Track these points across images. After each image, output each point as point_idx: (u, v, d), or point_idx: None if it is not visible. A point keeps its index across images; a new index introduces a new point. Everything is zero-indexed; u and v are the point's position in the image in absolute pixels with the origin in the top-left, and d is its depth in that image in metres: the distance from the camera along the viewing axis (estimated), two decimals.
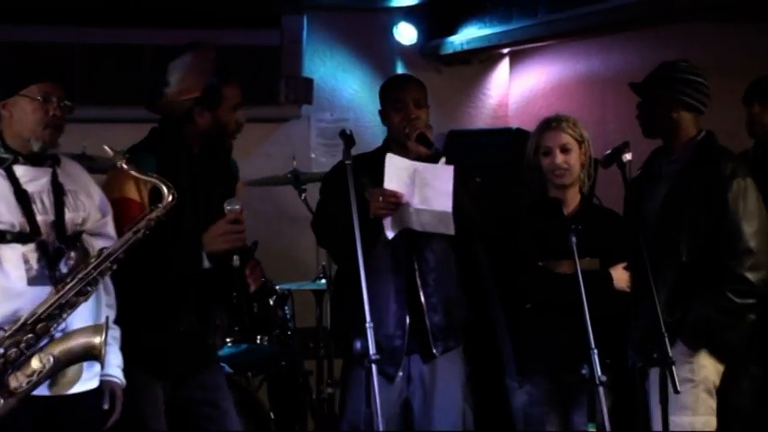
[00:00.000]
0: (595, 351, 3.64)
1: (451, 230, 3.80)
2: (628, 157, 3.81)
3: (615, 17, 5.12)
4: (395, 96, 4.04)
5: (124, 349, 3.49)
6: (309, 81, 6.24)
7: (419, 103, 4.00)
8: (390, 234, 3.86)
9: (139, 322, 3.57)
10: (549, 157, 4.08)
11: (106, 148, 3.34)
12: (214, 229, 3.58)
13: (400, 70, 6.46)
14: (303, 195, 5.46)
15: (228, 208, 3.60)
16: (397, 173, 3.80)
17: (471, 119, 6.67)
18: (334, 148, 6.12)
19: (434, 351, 3.99)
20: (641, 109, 4.21)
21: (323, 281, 5.49)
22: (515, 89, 6.79)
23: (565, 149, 4.09)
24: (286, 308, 5.18)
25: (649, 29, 5.91)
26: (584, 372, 3.66)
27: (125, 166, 3.34)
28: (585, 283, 3.68)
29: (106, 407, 3.37)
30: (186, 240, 3.57)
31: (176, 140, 3.68)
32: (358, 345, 3.48)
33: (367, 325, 3.46)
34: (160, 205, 3.35)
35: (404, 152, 3.94)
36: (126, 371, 3.49)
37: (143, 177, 3.41)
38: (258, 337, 5.08)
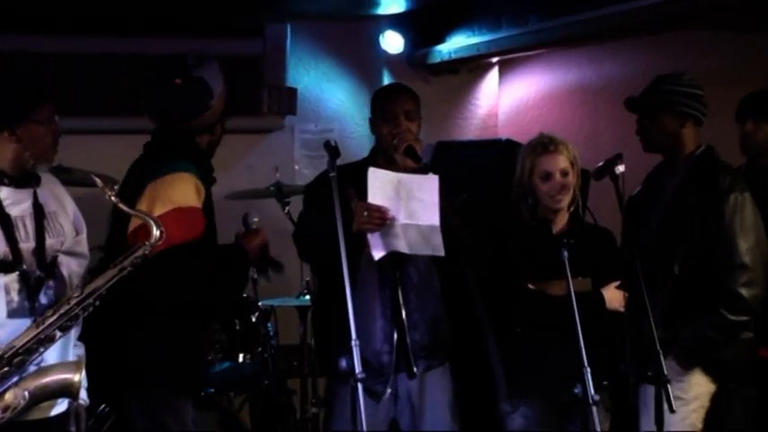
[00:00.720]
0: (588, 369, 3.66)
1: (440, 251, 3.77)
2: (621, 168, 3.82)
3: (607, 25, 5.14)
4: (385, 106, 4.00)
5: (163, 372, 3.56)
6: (293, 91, 6.26)
7: (410, 115, 3.96)
8: (377, 255, 3.81)
9: (187, 344, 3.62)
10: (548, 182, 4.08)
11: (95, 179, 3.30)
12: (255, 245, 3.73)
13: (387, 80, 6.45)
14: (287, 209, 5.43)
15: (256, 220, 3.80)
16: (382, 187, 3.76)
17: (460, 130, 6.67)
18: (318, 160, 5.97)
19: (415, 370, 3.98)
20: (640, 124, 4.24)
21: (307, 297, 5.45)
22: (505, 99, 6.80)
23: (564, 173, 4.09)
24: (269, 325, 5.16)
25: (641, 37, 5.98)
26: (576, 391, 3.67)
27: (114, 198, 3.30)
28: (578, 305, 3.70)
29: (73, 430, 3.33)
30: (238, 259, 3.68)
31: (205, 152, 3.73)
32: (343, 363, 3.48)
33: (353, 342, 3.44)
34: (147, 243, 3.30)
35: (391, 164, 3.91)
36: (163, 392, 3.58)
37: (131, 212, 3.38)
38: (240, 355, 5.03)
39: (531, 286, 4.02)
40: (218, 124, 3.74)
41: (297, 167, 6.40)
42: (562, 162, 4.08)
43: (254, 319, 5.06)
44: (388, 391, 3.97)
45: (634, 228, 3.93)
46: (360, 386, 3.42)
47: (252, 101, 6.02)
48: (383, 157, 3.96)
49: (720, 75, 5.98)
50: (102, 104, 5.70)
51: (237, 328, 4.96)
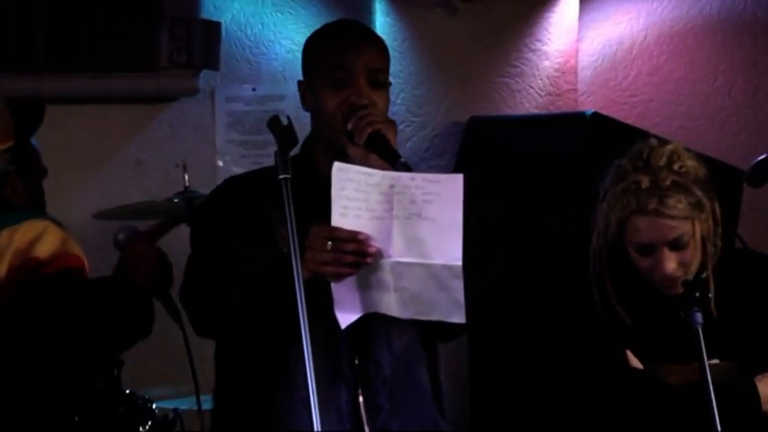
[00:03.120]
0: None
1: (460, 313, 3.20)
2: None
3: None
4: (332, 60, 3.43)
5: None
6: (213, 28, 5.32)
7: (376, 79, 3.42)
8: (345, 320, 3.29)
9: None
10: (647, 257, 3.61)
11: None
12: (141, 266, 3.60)
13: (379, 10, 5.43)
14: None
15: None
16: (357, 196, 3.25)
17: (510, 96, 5.61)
18: (256, 150, 5.42)
19: None
20: None
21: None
22: (591, 41, 5.77)
23: (677, 245, 3.56)
24: None
25: None
26: None
27: None
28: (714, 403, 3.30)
29: None
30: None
31: None
32: None
33: None
34: None
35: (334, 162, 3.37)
36: None
37: None
38: None
39: (632, 361, 3.58)
40: None
41: (220, 163, 5.52)
42: (673, 230, 3.58)
43: None
44: None
45: None
46: None
47: (142, 46, 5.23)
48: (324, 150, 3.45)
49: None
50: None
51: None
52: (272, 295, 3.21)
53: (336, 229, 3.22)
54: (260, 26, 5.49)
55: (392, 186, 3.28)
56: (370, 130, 3.36)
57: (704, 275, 3.61)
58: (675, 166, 3.60)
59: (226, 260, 3.39)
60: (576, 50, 5.75)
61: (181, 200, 4.76)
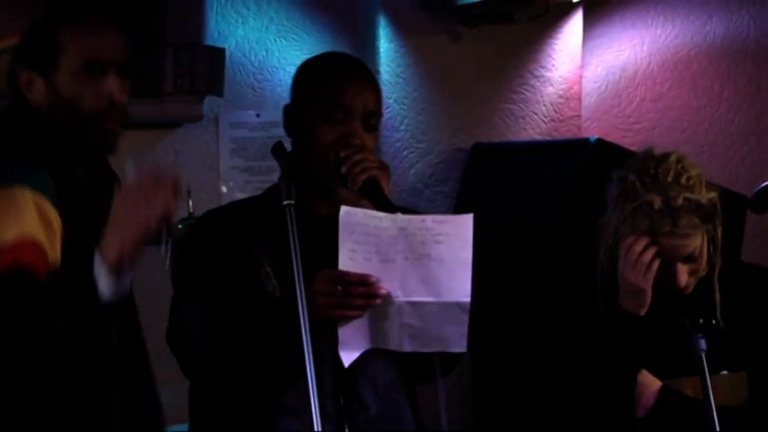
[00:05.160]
0: None
1: (461, 343, 3.34)
2: None
3: None
4: (333, 96, 3.43)
5: None
6: (218, 53, 5.32)
7: (369, 120, 3.42)
8: (349, 358, 3.32)
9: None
10: (660, 270, 3.66)
11: None
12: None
13: (384, 36, 5.40)
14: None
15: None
16: (366, 239, 3.29)
17: (513, 122, 5.64)
18: (260, 176, 5.44)
19: None
20: None
21: None
22: (594, 67, 5.83)
23: (690, 259, 3.65)
24: None
25: None
26: None
27: None
28: (721, 420, 3.31)
29: None
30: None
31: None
32: None
33: None
34: None
35: (323, 202, 3.41)
36: None
37: None
38: None
39: (647, 378, 3.67)
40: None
41: (224, 189, 5.54)
42: (687, 246, 3.64)
43: None
44: None
45: None
46: None
47: (144, 72, 5.01)
48: (310, 186, 3.45)
49: None
50: None
51: None
52: (262, 338, 3.23)
53: (345, 273, 3.26)
54: (264, 52, 5.51)
55: (402, 229, 3.33)
56: (365, 176, 3.38)
57: (714, 323, 3.57)
58: (683, 179, 3.62)
59: (225, 298, 3.36)
60: (580, 77, 5.76)
61: (185, 225, 4.76)
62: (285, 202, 3.18)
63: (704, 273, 3.75)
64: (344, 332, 3.35)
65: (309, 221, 3.34)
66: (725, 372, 3.58)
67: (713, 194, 3.71)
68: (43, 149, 3.24)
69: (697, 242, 3.67)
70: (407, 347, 3.44)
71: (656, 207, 3.61)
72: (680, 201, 3.60)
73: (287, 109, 3.58)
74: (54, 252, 3.10)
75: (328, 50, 4.92)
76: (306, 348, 3.11)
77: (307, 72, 3.61)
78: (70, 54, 3.26)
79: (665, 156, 3.66)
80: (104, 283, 2.95)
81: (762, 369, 3.73)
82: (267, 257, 3.37)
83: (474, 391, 4.89)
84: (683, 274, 3.67)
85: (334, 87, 3.49)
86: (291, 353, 3.20)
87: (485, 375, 4.85)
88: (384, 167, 3.46)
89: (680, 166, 3.66)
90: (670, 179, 3.64)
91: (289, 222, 3.15)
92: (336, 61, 3.82)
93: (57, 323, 3.07)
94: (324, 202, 3.43)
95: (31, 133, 3.29)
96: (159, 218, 2.96)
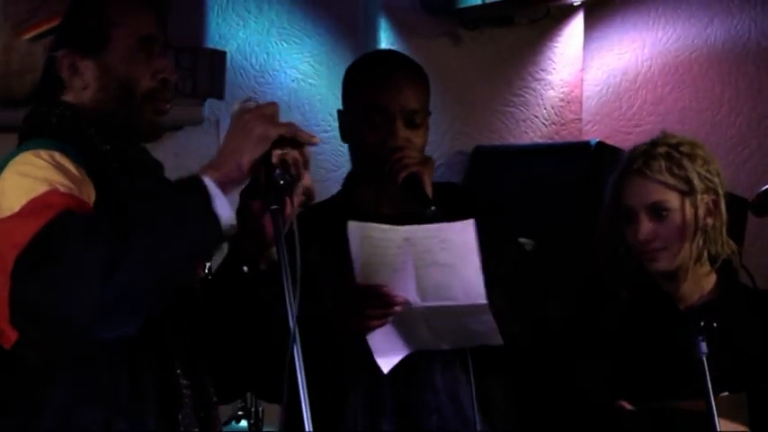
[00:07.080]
0: None
1: (496, 337, 3.34)
2: None
3: None
4: (370, 100, 3.47)
5: None
6: (220, 57, 5.42)
7: (412, 118, 3.46)
8: (387, 365, 3.39)
9: None
10: (631, 224, 3.64)
11: None
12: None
13: (385, 39, 5.53)
14: (208, 265, 4.34)
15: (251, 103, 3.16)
16: (375, 252, 3.33)
17: (514, 125, 5.72)
18: None
19: None
20: None
21: (243, 423, 4.94)
22: (595, 71, 5.88)
23: (656, 211, 3.56)
24: None
25: None
26: None
27: None
28: None
29: None
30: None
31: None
32: None
33: None
34: None
35: (382, 202, 3.52)
36: None
37: None
38: None
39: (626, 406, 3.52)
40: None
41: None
42: (654, 191, 3.59)
43: None
44: None
45: None
46: None
47: None
48: (367, 185, 3.59)
49: None
50: None
51: None
52: (320, 357, 3.17)
53: (358, 285, 3.32)
54: (265, 55, 5.58)
55: (407, 240, 3.37)
56: (404, 174, 3.42)
57: (714, 326, 3.44)
58: (674, 141, 3.61)
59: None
60: (581, 80, 5.85)
61: None
62: (272, 207, 2.86)
63: (689, 258, 3.61)
64: (374, 341, 3.39)
65: (377, 221, 3.39)
66: (725, 393, 3.52)
67: (711, 184, 3.60)
68: (71, 135, 3.11)
69: (667, 196, 3.59)
70: (443, 345, 3.51)
71: (637, 151, 3.60)
72: (661, 150, 3.58)
73: (339, 114, 3.66)
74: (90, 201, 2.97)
75: (336, 50, 5.52)
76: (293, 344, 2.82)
77: (349, 77, 3.67)
78: (122, 32, 3.12)
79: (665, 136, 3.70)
80: (220, 200, 2.74)
81: (761, 392, 3.66)
82: (321, 264, 3.40)
83: (474, 390, 4.90)
84: (646, 226, 3.60)
85: (370, 90, 3.53)
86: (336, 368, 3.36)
87: (485, 375, 4.88)
88: (425, 162, 3.50)
89: (685, 140, 3.65)
90: (664, 138, 3.63)
91: (295, 238, 2.91)
92: (375, 62, 3.87)
93: (180, 234, 2.77)
94: (383, 202, 3.51)
95: (61, 121, 3.13)
96: (268, 135, 2.77)
